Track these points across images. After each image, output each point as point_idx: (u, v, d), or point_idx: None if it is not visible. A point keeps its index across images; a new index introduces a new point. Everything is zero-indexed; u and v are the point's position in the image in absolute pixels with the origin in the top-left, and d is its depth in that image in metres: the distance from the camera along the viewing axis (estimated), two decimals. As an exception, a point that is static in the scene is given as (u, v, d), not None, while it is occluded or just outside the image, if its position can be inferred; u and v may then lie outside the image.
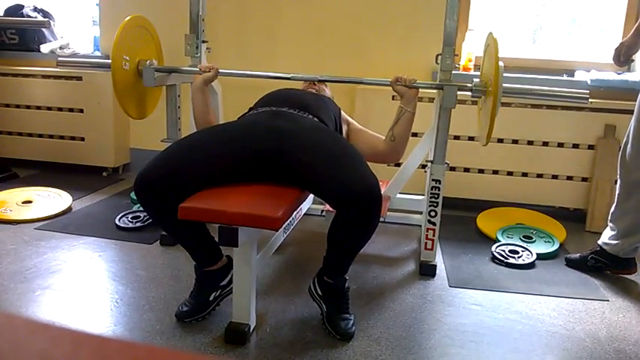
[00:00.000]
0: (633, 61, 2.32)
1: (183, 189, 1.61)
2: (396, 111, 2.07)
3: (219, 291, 1.77)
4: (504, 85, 1.95)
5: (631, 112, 2.14)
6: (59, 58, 2.64)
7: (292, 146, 1.68)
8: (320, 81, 2.29)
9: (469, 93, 2.10)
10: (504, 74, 1.96)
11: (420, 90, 2.09)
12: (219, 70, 2.19)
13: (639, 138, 2.10)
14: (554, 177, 2.93)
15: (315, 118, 1.89)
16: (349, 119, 2.24)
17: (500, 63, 1.90)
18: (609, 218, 2.26)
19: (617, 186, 2.23)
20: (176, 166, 1.64)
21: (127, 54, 2.22)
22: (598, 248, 2.27)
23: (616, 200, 2.23)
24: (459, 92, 2.07)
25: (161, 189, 1.59)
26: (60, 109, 3.43)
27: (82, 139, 3.44)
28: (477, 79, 2.11)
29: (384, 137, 2.10)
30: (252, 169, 1.70)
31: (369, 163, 1.69)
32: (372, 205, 1.53)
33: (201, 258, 1.77)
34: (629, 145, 2.14)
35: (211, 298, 1.76)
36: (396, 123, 2.06)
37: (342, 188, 1.52)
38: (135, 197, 2.89)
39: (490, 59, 1.97)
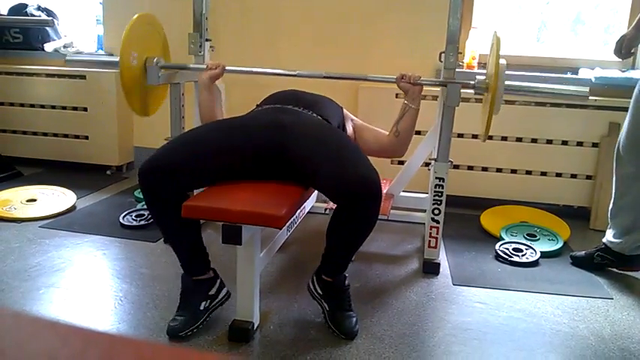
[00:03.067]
0: (634, 54, 2.31)
1: (187, 180, 1.61)
2: (401, 107, 2.08)
3: (209, 301, 1.72)
4: (505, 82, 1.95)
5: None
6: (67, 57, 2.60)
7: (293, 140, 1.68)
8: (326, 77, 2.28)
9: (472, 91, 2.10)
10: (508, 72, 1.96)
11: (424, 87, 2.09)
12: (226, 68, 2.19)
13: (633, 132, 2.11)
14: (558, 175, 2.92)
15: (319, 116, 1.89)
16: (352, 117, 2.25)
17: (502, 61, 1.91)
18: (608, 216, 2.27)
19: (613, 182, 2.23)
20: (181, 157, 1.64)
21: (136, 50, 2.22)
22: (603, 246, 2.27)
23: (612, 198, 2.23)
24: (462, 90, 2.07)
25: (165, 179, 1.58)
26: (64, 108, 3.44)
27: (86, 137, 3.45)
28: (480, 77, 2.10)
29: (387, 132, 2.11)
30: (255, 163, 1.70)
31: (371, 159, 1.68)
32: (371, 199, 1.51)
33: (193, 264, 1.73)
34: (622, 139, 2.15)
35: (202, 308, 1.71)
36: (400, 119, 2.06)
37: (341, 182, 1.51)
38: (139, 195, 2.91)
39: (494, 58, 1.96)
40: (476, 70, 2.96)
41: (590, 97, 2.78)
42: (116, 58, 2.21)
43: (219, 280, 1.77)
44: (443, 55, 2.16)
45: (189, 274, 1.74)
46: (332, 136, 1.75)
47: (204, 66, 2.22)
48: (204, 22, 2.46)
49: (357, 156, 1.64)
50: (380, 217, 1.60)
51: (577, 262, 2.33)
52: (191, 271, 1.74)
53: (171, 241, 1.76)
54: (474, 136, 2.92)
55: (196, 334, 1.68)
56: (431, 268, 2.20)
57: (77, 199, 2.87)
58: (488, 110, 1.90)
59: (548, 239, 2.54)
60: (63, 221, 2.60)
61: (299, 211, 1.77)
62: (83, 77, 3.34)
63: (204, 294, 1.73)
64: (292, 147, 1.67)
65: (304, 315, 1.83)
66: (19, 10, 3.49)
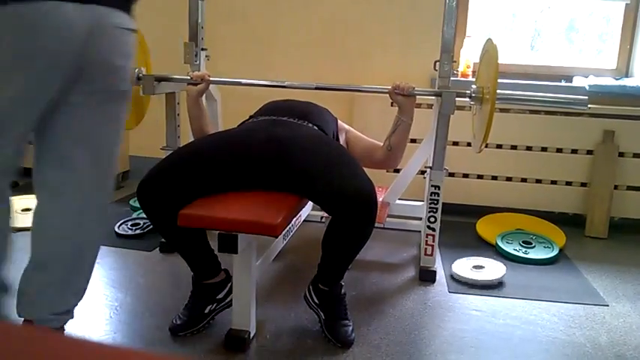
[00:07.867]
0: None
1: (186, 195, 1.61)
2: (394, 120, 2.08)
3: (216, 304, 1.75)
4: (504, 91, 1.95)
5: (630, 117, 2.12)
6: None
7: (290, 153, 1.68)
8: (317, 89, 2.28)
9: (467, 100, 2.10)
10: (502, 80, 1.97)
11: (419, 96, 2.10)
12: (211, 79, 2.16)
13: None
14: (553, 182, 2.93)
15: (315, 127, 1.90)
16: (346, 127, 2.25)
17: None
18: None
19: None
20: (178, 172, 1.64)
21: None
22: None
23: None
24: (457, 99, 2.07)
25: (164, 196, 1.59)
26: (59, 117, 3.42)
27: (82, 146, 3.43)
28: (476, 86, 2.11)
29: (381, 144, 2.12)
30: (252, 176, 1.71)
31: (366, 169, 1.69)
32: (366, 210, 1.52)
33: (201, 270, 1.76)
34: None
35: (207, 311, 1.74)
36: (393, 133, 2.07)
37: (336, 193, 1.52)
38: (134, 205, 2.90)
39: (488, 66, 1.97)
40: (470, 78, 2.97)
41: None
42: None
43: (229, 284, 1.76)
44: (438, 63, 2.17)
45: (199, 278, 1.76)
46: (327, 148, 1.76)
47: (188, 77, 2.18)
48: (200, 31, 2.47)
49: (352, 168, 1.64)
50: (376, 225, 1.60)
51: None
52: (199, 276, 1.76)
53: (177, 249, 1.78)
54: (469, 144, 2.93)
55: (192, 342, 1.67)
56: (427, 276, 2.20)
57: (73, 208, 2.85)
58: (487, 123, 1.88)
59: (544, 246, 2.55)
60: (58, 230, 2.59)
61: (295, 219, 1.77)
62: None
63: (211, 297, 1.75)
64: (289, 161, 1.67)
65: (301, 324, 1.82)
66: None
